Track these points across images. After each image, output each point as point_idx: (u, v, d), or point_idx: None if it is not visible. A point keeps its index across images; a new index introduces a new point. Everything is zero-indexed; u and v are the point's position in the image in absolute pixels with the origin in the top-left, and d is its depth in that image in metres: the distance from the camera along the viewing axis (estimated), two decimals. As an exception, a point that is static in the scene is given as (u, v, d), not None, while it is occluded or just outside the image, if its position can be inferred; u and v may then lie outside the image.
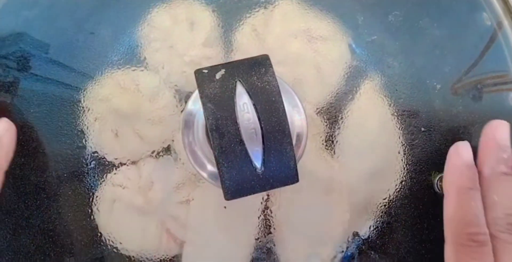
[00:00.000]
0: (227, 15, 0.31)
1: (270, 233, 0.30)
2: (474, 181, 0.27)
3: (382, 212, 0.30)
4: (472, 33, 0.32)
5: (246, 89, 0.22)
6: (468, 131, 0.30)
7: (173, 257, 0.30)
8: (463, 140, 0.30)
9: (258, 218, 0.29)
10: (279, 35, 0.30)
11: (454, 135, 0.30)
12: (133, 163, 0.30)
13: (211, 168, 0.27)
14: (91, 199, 0.29)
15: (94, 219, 0.29)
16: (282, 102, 0.22)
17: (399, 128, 0.30)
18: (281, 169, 0.23)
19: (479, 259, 0.26)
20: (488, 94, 0.31)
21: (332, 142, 0.30)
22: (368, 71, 0.31)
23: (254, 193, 0.23)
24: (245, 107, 0.22)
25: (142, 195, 0.29)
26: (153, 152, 0.30)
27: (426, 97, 0.31)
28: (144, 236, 0.29)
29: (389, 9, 0.31)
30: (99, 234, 0.29)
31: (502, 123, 0.29)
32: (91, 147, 0.30)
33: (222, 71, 0.23)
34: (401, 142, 0.30)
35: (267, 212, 0.29)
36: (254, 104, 0.22)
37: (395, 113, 0.30)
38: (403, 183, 0.30)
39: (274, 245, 0.30)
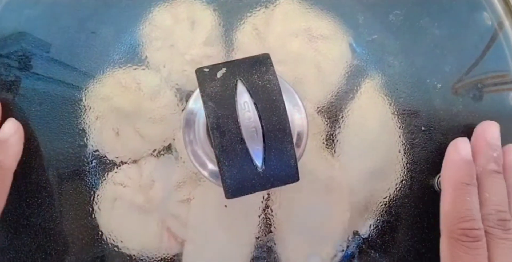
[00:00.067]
0: (228, 14, 0.31)
1: (271, 232, 0.30)
2: (471, 177, 0.28)
3: (382, 211, 0.30)
4: (473, 33, 0.32)
5: (247, 88, 0.22)
6: (468, 130, 0.30)
7: (174, 255, 0.30)
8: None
9: (259, 216, 0.29)
10: (280, 34, 0.30)
11: (455, 134, 0.30)
12: (134, 161, 0.30)
13: (211, 166, 0.27)
14: (92, 197, 0.29)
15: (95, 217, 0.29)
16: (283, 101, 0.22)
17: (399, 128, 0.30)
18: (282, 168, 0.23)
19: (472, 254, 0.26)
20: (489, 94, 0.31)
21: (333, 141, 0.30)
22: (369, 71, 0.31)
23: (254, 192, 0.23)
24: (246, 106, 0.22)
25: (143, 194, 0.29)
26: (154, 151, 0.30)
27: (427, 97, 0.31)
28: (145, 235, 0.29)
29: (389, 8, 0.31)
30: (100, 233, 0.29)
31: (491, 123, 0.30)
32: (92, 146, 0.30)
33: (223, 70, 0.23)
34: (402, 141, 0.30)
35: (267, 210, 0.30)
36: (255, 103, 0.22)
37: (396, 113, 0.30)
38: (403, 182, 0.30)
39: (275, 244, 0.30)
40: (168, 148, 0.30)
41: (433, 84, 0.31)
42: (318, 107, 0.30)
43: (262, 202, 0.29)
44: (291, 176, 0.23)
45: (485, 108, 0.31)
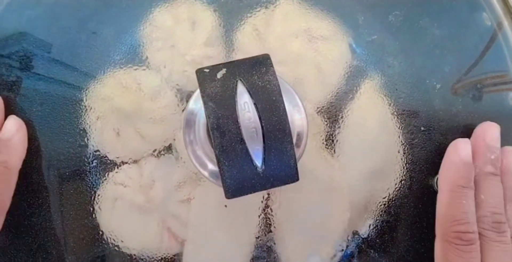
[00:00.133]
0: (228, 14, 0.31)
1: (271, 231, 0.30)
2: (469, 179, 0.27)
3: (382, 211, 0.30)
4: (472, 33, 0.32)
5: (247, 89, 0.23)
6: (467, 131, 0.30)
7: (174, 255, 0.30)
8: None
9: (259, 216, 0.30)
10: (280, 35, 0.31)
11: (454, 135, 0.30)
12: (135, 161, 0.30)
13: (212, 166, 0.27)
14: (92, 197, 0.29)
15: (95, 217, 0.29)
16: (283, 101, 0.22)
17: (399, 128, 0.30)
18: (282, 168, 0.23)
19: (465, 257, 0.26)
20: (488, 94, 0.31)
21: (332, 141, 0.30)
22: (368, 71, 0.31)
23: (254, 192, 0.23)
24: (246, 107, 0.22)
25: (144, 194, 0.29)
26: (154, 151, 0.30)
27: (426, 97, 0.31)
28: (145, 235, 0.30)
29: (389, 9, 0.31)
30: (100, 233, 0.29)
31: (492, 125, 0.29)
32: (93, 146, 0.30)
33: (223, 71, 0.23)
34: (401, 141, 0.30)
35: (267, 210, 0.30)
36: (255, 104, 0.22)
37: (395, 113, 0.31)
38: (402, 182, 0.30)
39: (275, 243, 0.30)
40: (169, 148, 0.30)
41: (432, 84, 0.31)
42: (318, 108, 0.30)
43: (262, 202, 0.30)
44: (291, 176, 0.23)
45: (485, 108, 0.31)
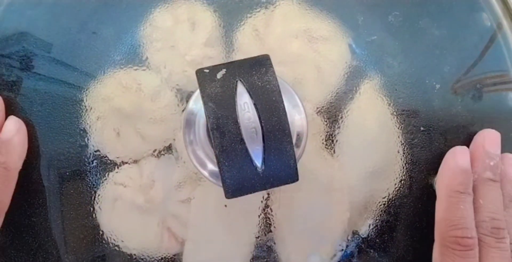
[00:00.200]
0: (228, 15, 0.31)
1: (271, 231, 0.30)
2: (466, 185, 0.27)
3: (381, 211, 0.30)
4: (472, 33, 0.32)
5: (246, 89, 0.23)
6: (467, 131, 0.30)
7: (174, 255, 0.30)
8: (462, 139, 0.30)
9: (259, 216, 0.30)
10: (280, 35, 0.31)
11: (454, 135, 0.30)
12: (135, 161, 0.30)
13: (212, 166, 0.27)
14: (92, 197, 0.30)
15: (95, 217, 0.30)
16: (283, 101, 0.22)
17: (398, 128, 0.30)
18: (281, 168, 0.23)
19: (463, 260, 0.26)
20: (488, 94, 0.31)
21: (332, 141, 0.30)
22: (368, 71, 0.31)
23: (254, 192, 0.23)
24: (245, 107, 0.22)
25: (144, 194, 0.29)
26: (154, 151, 0.30)
27: (426, 97, 0.31)
28: (145, 235, 0.30)
29: (389, 9, 0.31)
30: (100, 232, 0.29)
31: (491, 132, 0.29)
32: (93, 146, 0.30)
33: (223, 71, 0.23)
34: (401, 141, 0.30)
35: (267, 210, 0.30)
36: (254, 104, 0.22)
37: (395, 113, 0.31)
38: (402, 182, 0.30)
39: (275, 243, 0.30)
40: (169, 148, 0.30)
41: (432, 84, 0.31)
42: (317, 108, 0.30)
43: (262, 201, 0.30)
44: (291, 176, 0.23)
45: (484, 108, 0.31)
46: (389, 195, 0.30)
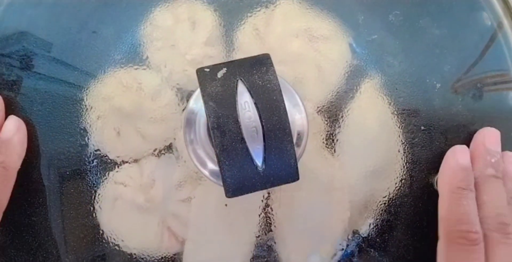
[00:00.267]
0: (228, 14, 0.31)
1: (271, 230, 0.30)
2: (468, 182, 0.27)
3: (382, 210, 0.30)
4: (472, 32, 0.32)
5: (247, 88, 0.23)
6: (467, 130, 0.30)
7: (174, 254, 0.30)
8: (462, 139, 0.30)
9: (259, 215, 0.30)
10: (280, 35, 0.31)
11: (454, 134, 0.30)
12: (135, 161, 0.30)
13: (212, 166, 0.27)
14: (93, 196, 0.30)
15: (96, 216, 0.30)
16: (283, 101, 0.22)
17: (399, 127, 0.30)
18: (282, 167, 0.23)
19: (469, 258, 0.26)
20: (488, 93, 0.31)
21: (333, 140, 0.30)
22: (368, 70, 0.31)
23: (255, 191, 0.23)
24: (246, 106, 0.22)
25: (144, 193, 0.29)
26: (155, 150, 0.30)
27: (426, 96, 0.31)
28: (145, 234, 0.30)
29: (389, 8, 0.31)
30: (101, 232, 0.29)
31: (491, 130, 0.29)
32: (93, 145, 0.30)
33: (224, 70, 0.23)
34: (401, 141, 0.30)
35: (267, 209, 0.30)
36: (255, 103, 0.22)
37: (395, 112, 0.31)
38: (403, 181, 0.30)
39: (275, 242, 0.30)
40: (169, 148, 0.30)
41: (432, 83, 0.31)
42: (318, 107, 0.30)
43: (262, 201, 0.30)
44: (291, 175, 0.23)
45: (485, 107, 0.31)
46: (389, 194, 0.30)
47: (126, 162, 0.30)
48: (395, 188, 0.30)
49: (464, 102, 0.31)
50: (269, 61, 0.23)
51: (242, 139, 0.22)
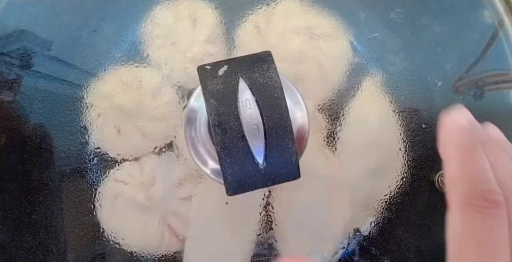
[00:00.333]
0: (229, 12, 0.31)
1: (272, 229, 0.30)
2: (476, 139, 0.23)
3: (383, 208, 0.30)
4: (474, 31, 0.32)
5: (248, 86, 0.22)
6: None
7: (175, 252, 0.30)
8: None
9: (260, 214, 0.30)
10: (281, 32, 0.31)
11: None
12: (136, 159, 0.30)
13: (213, 164, 0.27)
14: (93, 194, 0.29)
15: (96, 214, 0.29)
16: (284, 98, 0.22)
17: (400, 125, 0.30)
18: (283, 165, 0.23)
19: (493, 225, 0.20)
20: (489, 92, 0.31)
21: (334, 138, 0.30)
22: (370, 68, 0.31)
23: (256, 189, 0.23)
24: (247, 103, 0.22)
25: (144, 191, 0.29)
26: (155, 148, 0.30)
27: (427, 95, 0.31)
28: (146, 232, 0.30)
29: (390, 6, 0.31)
30: (101, 230, 0.29)
31: (459, 109, 0.24)
32: (93, 143, 0.30)
33: (225, 68, 0.23)
34: (402, 139, 0.30)
35: (268, 208, 0.30)
36: (256, 100, 0.22)
37: (396, 110, 0.31)
38: (404, 179, 0.30)
39: (276, 241, 0.30)
40: (170, 146, 0.30)
41: (433, 82, 0.31)
42: (319, 105, 0.30)
43: (263, 199, 0.30)
44: (292, 173, 0.23)
45: (486, 106, 0.31)
46: (390, 192, 0.30)
47: (127, 160, 0.30)
48: (396, 186, 0.30)
49: (465, 101, 0.31)
50: (270, 59, 0.23)
51: (243, 136, 0.22)
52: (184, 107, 0.30)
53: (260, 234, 0.30)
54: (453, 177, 0.22)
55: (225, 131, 0.22)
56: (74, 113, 0.30)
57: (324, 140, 0.30)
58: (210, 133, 0.26)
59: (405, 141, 0.30)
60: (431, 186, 0.30)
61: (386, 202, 0.30)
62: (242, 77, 0.23)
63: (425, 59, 0.31)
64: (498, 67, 0.32)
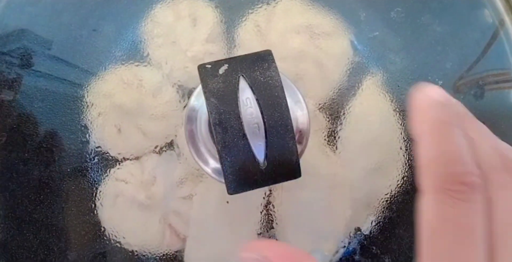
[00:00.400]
0: (230, 11, 0.31)
1: (272, 228, 0.30)
2: (451, 115, 0.20)
3: (384, 207, 0.30)
4: (474, 30, 0.32)
5: (249, 84, 0.22)
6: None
7: (176, 251, 0.30)
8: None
9: (261, 213, 0.30)
10: (282, 31, 0.31)
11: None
12: (136, 158, 0.30)
13: (213, 163, 0.27)
14: (94, 193, 0.29)
15: (97, 213, 0.29)
16: (285, 97, 0.22)
17: (400, 124, 0.30)
18: (284, 164, 0.23)
19: (469, 210, 0.18)
20: (490, 91, 0.31)
21: (334, 137, 0.30)
22: (370, 67, 0.31)
23: (256, 188, 0.23)
24: (248, 102, 0.22)
25: (145, 190, 0.29)
26: (156, 147, 0.30)
27: (428, 94, 0.31)
28: (146, 231, 0.30)
29: (391, 5, 0.31)
30: (102, 229, 0.29)
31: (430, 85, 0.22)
32: (94, 142, 0.30)
33: (225, 66, 0.23)
34: (403, 138, 0.30)
35: (269, 207, 0.30)
36: (257, 99, 0.22)
37: (397, 109, 0.31)
38: (404, 178, 0.30)
39: (277, 240, 0.30)
40: (170, 145, 0.30)
41: (434, 81, 0.31)
42: (319, 104, 0.30)
43: (264, 198, 0.30)
44: (293, 172, 0.23)
45: (486, 106, 0.31)
46: (391, 191, 0.30)
47: (127, 159, 0.30)
48: (397, 185, 0.30)
49: (465, 101, 0.31)
50: (271, 58, 0.23)
51: (244, 135, 0.22)
52: (184, 106, 0.30)
53: (261, 233, 0.30)
54: (425, 159, 0.20)
55: (226, 130, 0.22)
56: (74, 112, 0.30)
57: (325, 139, 0.30)
58: (210, 132, 0.26)
59: (405, 140, 0.30)
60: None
61: (387, 201, 0.30)
62: (243, 76, 0.23)
63: (425, 58, 0.31)
64: (498, 66, 0.32)
